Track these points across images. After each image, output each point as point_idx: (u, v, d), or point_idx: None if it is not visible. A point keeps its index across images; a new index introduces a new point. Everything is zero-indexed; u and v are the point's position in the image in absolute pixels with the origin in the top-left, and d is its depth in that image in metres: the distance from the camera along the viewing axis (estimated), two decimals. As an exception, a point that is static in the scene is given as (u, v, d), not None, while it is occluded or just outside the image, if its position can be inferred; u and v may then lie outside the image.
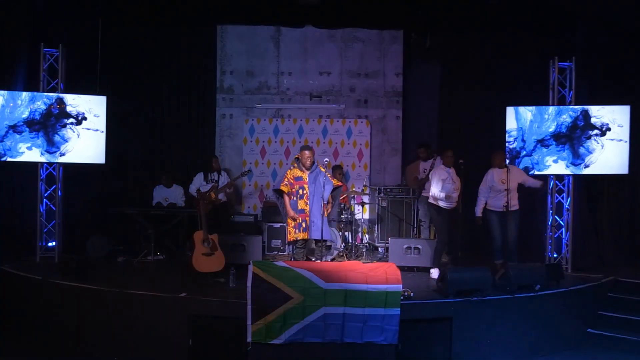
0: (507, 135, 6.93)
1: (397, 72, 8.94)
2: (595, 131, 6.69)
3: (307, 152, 5.93)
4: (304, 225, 5.88)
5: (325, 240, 6.01)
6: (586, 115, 6.72)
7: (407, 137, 8.98)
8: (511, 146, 6.91)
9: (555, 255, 6.86)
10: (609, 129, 6.66)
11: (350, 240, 7.63)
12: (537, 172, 6.78)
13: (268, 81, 9.00)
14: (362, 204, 8.10)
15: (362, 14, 8.40)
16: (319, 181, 5.82)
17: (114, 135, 7.43)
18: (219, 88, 8.97)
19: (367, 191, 8.15)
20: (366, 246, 7.90)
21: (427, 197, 6.52)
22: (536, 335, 5.43)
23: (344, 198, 7.53)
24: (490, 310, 5.28)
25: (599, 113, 6.69)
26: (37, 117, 6.79)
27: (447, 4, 7.83)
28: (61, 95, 6.91)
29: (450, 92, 8.63)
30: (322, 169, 5.92)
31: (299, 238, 5.96)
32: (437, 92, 8.82)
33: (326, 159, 6.03)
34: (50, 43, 6.92)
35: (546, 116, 6.83)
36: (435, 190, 6.20)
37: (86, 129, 6.94)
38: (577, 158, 6.75)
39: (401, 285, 4.94)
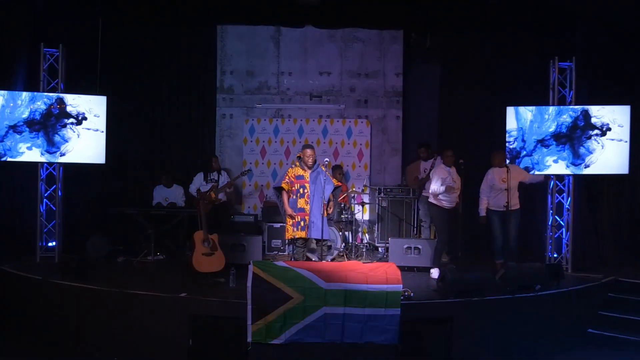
0: (507, 135, 6.92)
1: (397, 72, 8.94)
2: (596, 131, 6.69)
3: (309, 151, 5.94)
4: (302, 224, 5.88)
5: (325, 240, 6.01)
6: (586, 115, 6.72)
7: (407, 137, 8.98)
8: (511, 146, 6.91)
9: (555, 255, 6.86)
10: (609, 129, 6.65)
11: (350, 240, 7.63)
12: (537, 172, 6.78)
13: (268, 81, 9.00)
14: (362, 204, 8.10)
15: (362, 14, 8.40)
16: (320, 180, 5.83)
17: (114, 135, 7.43)
18: (219, 88, 8.97)
19: (367, 191, 8.15)
20: (366, 246, 7.90)
21: (428, 197, 6.52)
22: (536, 335, 5.42)
23: (344, 198, 7.53)
24: (490, 310, 5.28)
25: (599, 113, 6.68)
26: (37, 117, 6.79)
27: (447, 4, 7.83)
28: (61, 95, 6.91)
29: (450, 92, 8.63)
30: (323, 169, 5.92)
31: (296, 236, 5.97)
32: (437, 92, 8.82)
33: (326, 159, 6.04)
34: (50, 43, 6.92)
35: (546, 116, 6.83)
36: (434, 186, 6.19)
37: (86, 129, 6.94)
38: (577, 158, 6.74)
39: (401, 285, 4.94)
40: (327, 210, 5.97)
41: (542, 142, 6.84)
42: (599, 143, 6.69)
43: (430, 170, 6.86)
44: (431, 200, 6.37)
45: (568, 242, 6.83)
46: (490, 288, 5.40)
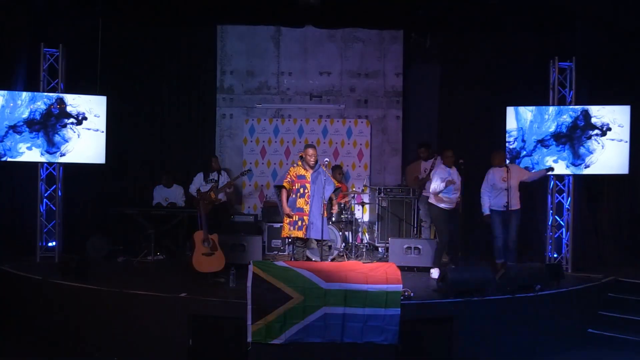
0: (507, 135, 6.93)
1: (397, 72, 8.94)
2: (596, 131, 6.69)
3: (311, 150, 5.95)
4: (299, 223, 5.88)
5: (326, 241, 6.02)
6: (586, 115, 6.72)
7: (407, 137, 8.98)
8: (511, 146, 6.91)
9: (555, 255, 6.86)
10: (609, 129, 6.65)
11: (350, 240, 7.62)
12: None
13: (268, 81, 9.00)
14: (362, 204, 8.10)
15: (362, 14, 8.40)
16: (321, 181, 5.83)
17: (114, 135, 7.43)
18: (219, 88, 8.97)
19: (367, 191, 8.15)
20: (366, 246, 7.90)
21: (428, 197, 6.52)
22: (536, 335, 5.43)
23: (344, 200, 7.53)
24: (490, 310, 5.28)
25: (600, 113, 6.68)
26: (37, 117, 6.79)
27: (447, 4, 7.83)
28: (61, 95, 6.91)
29: (450, 92, 8.62)
30: (324, 169, 5.93)
31: (292, 236, 5.98)
32: (437, 92, 8.82)
33: (326, 159, 6.04)
34: (50, 43, 6.92)
35: (546, 116, 6.83)
36: (435, 184, 6.19)
37: (86, 129, 6.94)
38: (577, 158, 6.74)
39: (401, 285, 4.94)
40: (331, 209, 5.99)
41: (542, 142, 6.84)
42: (599, 143, 6.69)
43: (431, 170, 6.86)
44: (431, 201, 6.37)
45: (568, 242, 6.84)
46: (490, 288, 5.40)
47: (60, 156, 6.88)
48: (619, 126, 6.64)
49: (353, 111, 8.99)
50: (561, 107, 6.85)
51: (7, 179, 7.05)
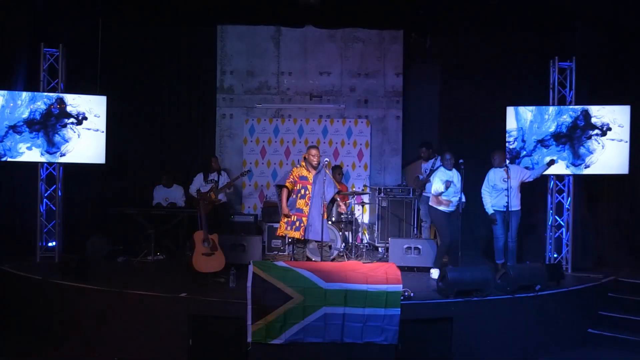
0: (507, 135, 6.92)
1: (397, 72, 8.94)
2: (596, 131, 6.69)
3: (314, 151, 5.97)
4: (297, 224, 5.88)
5: (326, 242, 6.02)
6: (586, 115, 6.72)
7: (407, 137, 8.98)
8: (511, 146, 6.91)
9: (555, 255, 6.86)
10: (609, 129, 6.65)
11: (350, 240, 7.62)
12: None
13: (268, 81, 9.00)
14: (362, 204, 8.10)
15: (362, 14, 8.40)
16: (323, 183, 5.83)
17: (114, 135, 7.43)
18: (219, 88, 8.97)
19: (367, 191, 8.14)
20: (366, 246, 7.90)
21: (428, 197, 6.52)
22: (536, 335, 5.43)
23: (344, 201, 7.54)
24: (490, 310, 5.28)
25: (600, 113, 6.68)
26: (37, 117, 6.78)
27: (447, 4, 7.83)
28: (61, 95, 6.91)
29: (450, 92, 8.63)
30: (326, 171, 5.94)
31: (289, 235, 5.99)
32: (437, 92, 8.82)
33: (326, 158, 6.03)
34: (50, 43, 6.91)
35: (546, 116, 6.83)
36: (436, 185, 6.19)
37: (86, 129, 6.94)
38: (577, 158, 6.74)
39: (401, 285, 4.95)
40: (338, 209, 6.07)
41: (542, 142, 6.84)
42: (599, 143, 6.69)
43: (431, 172, 6.86)
44: (431, 204, 6.37)
45: (568, 242, 6.83)
46: (490, 288, 5.40)
47: (60, 156, 6.87)
48: (619, 126, 6.64)
49: (353, 111, 8.99)
50: (561, 107, 6.85)
51: (7, 179, 7.04)
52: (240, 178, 7.92)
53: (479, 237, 7.67)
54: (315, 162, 5.93)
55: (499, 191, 6.38)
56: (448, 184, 6.12)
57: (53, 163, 6.94)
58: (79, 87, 7.18)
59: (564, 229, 6.89)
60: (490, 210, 6.43)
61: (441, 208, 6.28)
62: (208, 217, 6.20)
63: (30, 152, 6.77)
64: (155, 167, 8.49)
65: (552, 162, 6.61)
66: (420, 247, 6.61)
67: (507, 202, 6.22)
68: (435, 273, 6.14)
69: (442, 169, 6.38)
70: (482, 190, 6.51)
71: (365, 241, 8.09)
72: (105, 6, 7.66)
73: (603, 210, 7.45)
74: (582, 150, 6.73)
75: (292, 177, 5.99)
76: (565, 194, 6.93)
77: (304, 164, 6.03)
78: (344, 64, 8.97)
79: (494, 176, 6.45)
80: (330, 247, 6.95)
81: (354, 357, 4.86)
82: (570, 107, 6.82)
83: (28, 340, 5.60)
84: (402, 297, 4.94)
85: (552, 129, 6.81)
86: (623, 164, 6.63)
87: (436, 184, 6.21)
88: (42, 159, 6.85)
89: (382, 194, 7.83)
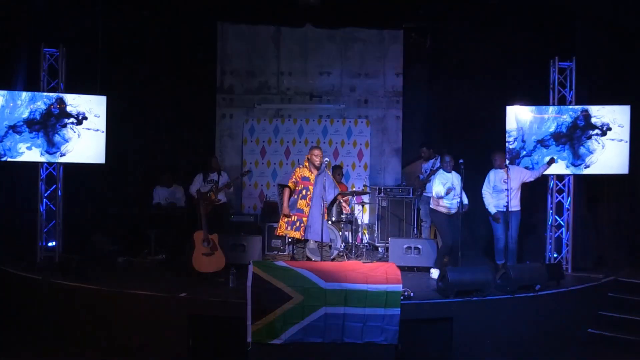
0: (507, 135, 6.92)
1: (397, 72, 8.95)
2: (596, 131, 6.68)
3: (316, 151, 5.98)
4: (297, 224, 5.89)
5: (326, 243, 6.03)
6: (586, 115, 6.72)
7: (407, 137, 8.98)
8: (511, 146, 6.90)
9: (555, 255, 6.86)
10: (609, 129, 6.65)
11: (350, 240, 7.63)
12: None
13: (268, 81, 9.00)
14: (362, 204, 8.10)
15: (362, 14, 8.41)
16: (324, 184, 5.83)
17: (114, 135, 7.42)
18: (219, 88, 8.97)
19: (367, 191, 8.14)
20: (366, 246, 7.90)
21: (429, 197, 6.52)
22: (536, 335, 5.43)
23: (346, 200, 7.54)
24: (490, 310, 5.29)
25: (600, 113, 6.68)
26: (37, 117, 6.78)
27: (447, 4, 7.83)
28: (61, 95, 6.90)
29: (450, 92, 8.62)
30: (329, 172, 5.94)
31: (289, 235, 6.00)
32: (437, 92, 8.82)
33: (326, 158, 6.04)
34: (50, 43, 6.91)
35: (546, 116, 6.83)
36: (437, 188, 6.20)
37: (86, 128, 6.93)
38: (577, 158, 6.74)
39: (401, 285, 4.95)
40: (342, 210, 6.02)
41: (541, 142, 6.83)
42: (599, 143, 6.69)
43: (432, 172, 6.86)
44: (432, 206, 6.38)
45: (568, 242, 6.83)
46: (490, 288, 5.40)
47: (60, 156, 6.87)
48: (619, 126, 6.63)
49: (353, 111, 8.99)
50: (561, 107, 6.84)
51: (7, 179, 7.04)
52: (240, 178, 7.91)
53: (479, 237, 7.67)
54: (318, 163, 5.94)
55: (500, 192, 6.38)
56: (449, 190, 6.13)
57: (53, 163, 6.94)
58: (79, 87, 7.17)
59: (564, 228, 6.89)
60: (493, 210, 6.43)
61: (442, 210, 6.28)
62: (208, 217, 6.19)
63: (30, 152, 6.77)
64: (155, 167, 8.49)
65: (552, 161, 6.60)
66: (420, 247, 6.61)
67: (507, 203, 6.22)
68: (435, 273, 6.14)
69: (441, 171, 6.38)
70: (483, 191, 6.51)
71: (365, 241, 8.09)
72: (105, 6, 7.65)
73: (603, 210, 7.44)
74: (582, 150, 6.73)
75: (294, 177, 6.00)
76: (565, 194, 6.93)
77: (307, 164, 6.04)
78: (344, 64, 8.97)
79: (495, 177, 6.45)
80: (330, 247, 6.96)
81: (354, 357, 4.86)
82: (570, 107, 6.81)
83: (28, 340, 5.60)
84: (402, 297, 4.94)
85: (552, 129, 6.81)
86: (623, 164, 6.63)
87: (437, 187, 6.21)
88: (42, 159, 6.84)
89: (382, 194, 7.84)
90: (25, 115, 6.75)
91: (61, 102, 6.85)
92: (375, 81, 8.97)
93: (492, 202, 6.44)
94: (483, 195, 6.50)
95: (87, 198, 7.85)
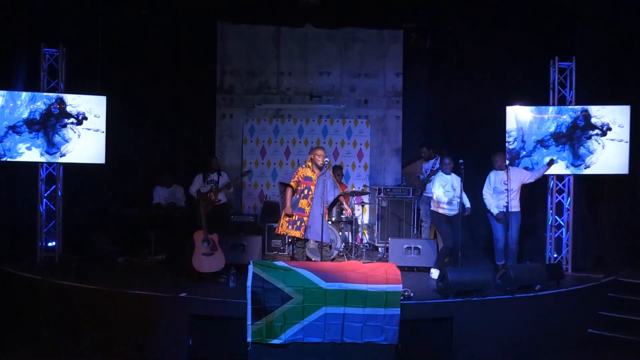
0: (506, 135, 6.92)
1: (397, 72, 8.95)
2: (596, 131, 6.68)
3: (320, 151, 6.00)
4: (298, 223, 5.89)
5: (327, 243, 6.03)
6: (586, 115, 6.71)
7: (407, 137, 8.98)
8: (511, 146, 6.90)
9: (555, 255, 6.86)
10: (609, 129, 6.65)
11: (350, 240, 7.63)
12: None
13: (268, 81, 9.00)
14: (362, 204, 8.10)
15: (362, 14, 8.41)
16: (326, 184, 5.83)
17: (114, 135, 7.42)
18: (219, 88, 8.97)
19: (367, 191, 8.14)
20: (366, 246, 7.90)
21: (429, 197, 6.52)
22: (536, 335, 5.43)
23: (347, 200, 7.54)
24: (490, 310, 5.29)
25: (600, 113, 6.68)
26: (37, 117, 6.78)
27: (447, 4, 7.83)
28: (61, 95, 6.90)
29: (450, 92, 8.62)
30: (330, 173, 5.95)
31: (289, 234, 6.00)
32: (437, 92, 8.82)
33: (326, 158, 6.05)
34: (50, 43, 6.91)
35: (546, 116, 6.83)
36: (437, 191, 6.20)
37: (86, 129, 6.93)
38: (577, 159, 6.74)
39: (401, 285, 4.95)
40: (344, 211, 6.03)
41: (541, 143, 6.83)
42: (599, 143, 6.69)
43: (432, 172, 6.86)
44: (432, 208, 6.39)
45: (568, 242, 6.83)
46: (490, 288, 5.40)
47: (60, 156, 6.87)
48: (619, 126, 6.63)
49: (353, 111, 8.99)
50: (561, 107, 6.84)
51: (7, 179, 7.04)
52: (240, 178, 7.91)
53: (479, 237, 7.67)
54: (321, 162, 5.96)
55: (500, 193, 6.38)
56: (450, 201, 6.13)
57: (53, 163, 6.94)
58: (79, 87, 7.17)
59: (563, 229, 6.89)
60: (495, 211, 6.42)
61: (442, 211, 6.29)
62: (208, 217, 6.19)
63: (30, 152, 6.77)
64: (155, 167, 8.49)
65: (551, 162, 6.60)
66: (420, 247, 6.61)
67: (507, 204, 6.22)
68: (435, 273, 6.14)
69: (440, 173, 6.39)
70: (484, 192, 6.51)
71: (365, 241, 8.09)
72: (105, 6, 7.65)
73: (603, 210, 7.44)
74: (582, 150, 6.73)
75: (297, 177, 6.01)
76: (565, 194, 6.92)
77: (310, 164, 6.05)
78: (344, 64, 8.97)
79: (495, 178, 6.45)
80: (330, 247, 6.96)
81: (354, 357, 4.86)
82: (570, 107, 6.81)
83: (28, 340, 5.60)
84: (402, 297, 4.94)
85: (552, 129, 6.81)
86: (623, 164, 6.63)
87: (437, 191, 6.22)
88: (42, 159, 6.84)
89: (382, 194, 7.84)
90: (25, 115, 6.74)
91: (61, 102, 6.85)
92: (375, 81, 8.97)
93: (493, 202, 6.44)
94: (484, 197, 6.50)
95: (87, 198, 7.84)
